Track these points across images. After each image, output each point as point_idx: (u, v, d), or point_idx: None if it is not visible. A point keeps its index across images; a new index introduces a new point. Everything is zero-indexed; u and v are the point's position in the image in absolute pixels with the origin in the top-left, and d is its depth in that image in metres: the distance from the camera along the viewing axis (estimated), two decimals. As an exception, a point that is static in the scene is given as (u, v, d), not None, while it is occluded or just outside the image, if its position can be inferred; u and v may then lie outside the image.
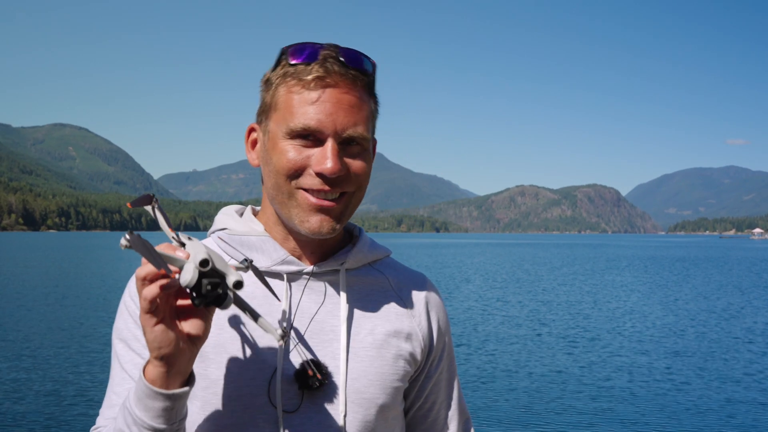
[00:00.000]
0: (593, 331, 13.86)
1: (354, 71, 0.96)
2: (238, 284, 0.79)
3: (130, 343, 0.99)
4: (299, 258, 1.04)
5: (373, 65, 1.01)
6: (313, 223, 0.97)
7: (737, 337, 13.27)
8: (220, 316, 1.00)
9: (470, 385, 8.77)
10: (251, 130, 1.05)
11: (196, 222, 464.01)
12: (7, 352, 10.50)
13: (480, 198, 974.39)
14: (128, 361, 0.99)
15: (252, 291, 1.01)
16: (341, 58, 0.95)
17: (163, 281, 0.78)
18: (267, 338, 0.99)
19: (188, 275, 0.76)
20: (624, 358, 10.90)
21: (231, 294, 0.80)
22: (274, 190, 0.99)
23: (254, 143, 1.05)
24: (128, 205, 0.87)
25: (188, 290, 0.78)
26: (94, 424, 0.90)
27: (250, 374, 0.97)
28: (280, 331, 0.89)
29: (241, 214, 1.12)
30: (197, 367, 0.96)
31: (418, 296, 1.12)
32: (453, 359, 1.17)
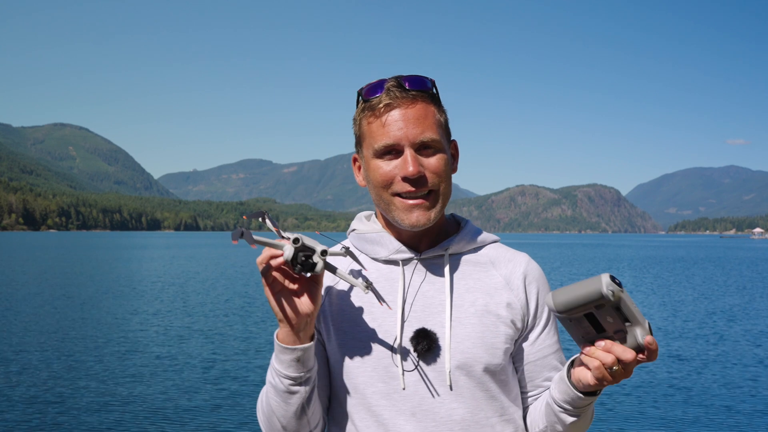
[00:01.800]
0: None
1: (414, 92, 1.26)
2: (324, 252, 1.10)
3: None
4: (411, 247, 1.35)
5: (432, 82, 1.30)
6: (412, 218, 1.26)
7: (737, 340, 13.03)
8: (353, 298, 1.33)
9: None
10: (354, 159, 1.39)
11: (197, 222, 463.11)
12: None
13: (480, 198, 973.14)
14: None
15: (376, 277, 1.33)
16: (402, 84, 1.26)
17: (271, 260, 1.10)
18: (390, 314, 1.29)
19: (287, 251, 1.08)
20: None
21: (321, 261, 1.09)
22: (377, 200, 1.31)
23: (359, 169, 1.37)
24: (244, 217, 1.16)
25: (290, 264, 1.09)
26: None
27: (378, 341, 1.28)
28: (364, 283, 1.16)
29: (369, 218, 1.45)
30: (340, 339, 1.31)
31: (517, 273, 1.36)
32: (554, 325, 1.40)
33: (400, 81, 1.25)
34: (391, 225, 1.35)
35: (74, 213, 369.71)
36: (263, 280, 1.12)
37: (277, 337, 1.19)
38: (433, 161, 1.26)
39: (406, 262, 1.33)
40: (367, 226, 1.39)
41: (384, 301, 1.26)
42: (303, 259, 1.08)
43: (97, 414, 7.24)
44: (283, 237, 1.12)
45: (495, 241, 1.41)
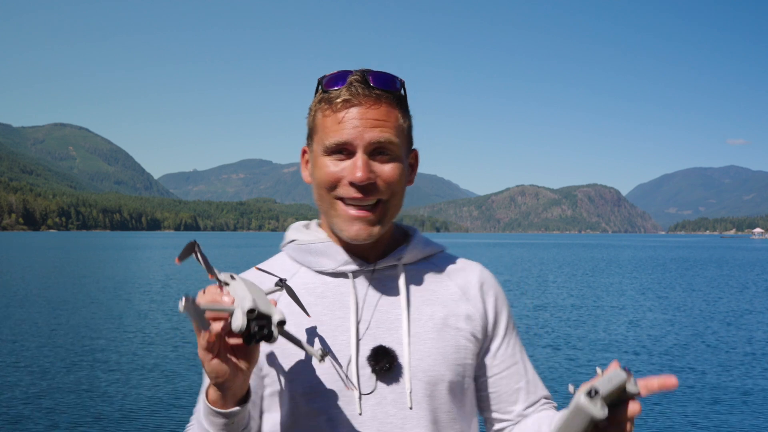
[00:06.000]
0: (588, 337, 13.44)
1: (378, 90, 1.11)
2: (282, 323, 0.92)
3: None
4: (361, 258, 1.19)
5: (401, 83, 1.16)
6: (352, 231, 1.12)
7: (738, 346, 12.83)
8: (298, 317, 1.15)
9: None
10: (304, 152, 1.22)
11: (197, 222, 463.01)
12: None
13: (480, 198, 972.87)
14: None
15: (322, 291, 1.18)
16: (365, 81, 1.11)
17: (218, 327, 0.93)
18: (340, 333, 1.14)
19: (238, 322, 0.89)
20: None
21: (276, 331, 0.92)
22: (319, 201, 1.16)
23: (307, 163, 1.21)
24: (176, 260, 0.99)
25: (241, 334, 0.91)
26: None
27: (328, 364, 1.12)
28: (320, 352, 1.00)
29: (308, 227, 1.28)
30: (284, 363, 1.13)
31: (472, 282, 1.24)
32: (515, 334, 1.28)
33: (365, 76, 1.12)
34: (335, 234, 1.20)
35: (74, 213, 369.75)
36: (200, 342, 0.94)
37: (207, 398, 1.02)
38: (387, 169, 1.12)
39: (356, 274, 1.19)
40: (310, 236, 1.22)
41: (351, 383, 1.11)
42: (256, 330, 0.91)
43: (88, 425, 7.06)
44: (220, 280, 0.97)
45: (443, 250, 1.30)
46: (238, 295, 0.92)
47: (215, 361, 0.94)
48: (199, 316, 0.89)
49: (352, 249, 1.19)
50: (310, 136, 1.18)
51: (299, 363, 1.13)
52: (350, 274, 1.18)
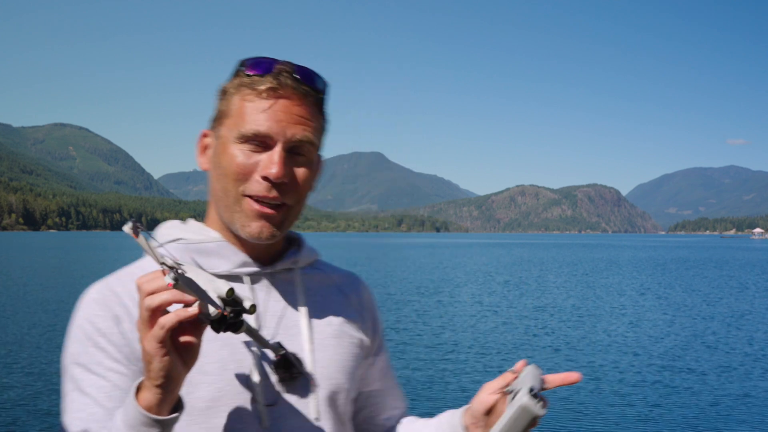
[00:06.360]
0: (588, 338, 13.42)
1: (306, 87, 1.02)
2: (253, 308, 0.83)
3: (91, 367, 0.97)
4: (255, 260, 1.08)
5: (325, 84, 1.07)
6: (254, 228, 1.01)
7: (735, 347, 12.80)
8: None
9: (469, 387, 8.76)
10: (204, 135, 1.09)
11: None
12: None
13: (480, 198, 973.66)
14: (91, 384, 0.96)
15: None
16: (295, 74, 1.01)
17: (183, 312, 0.80)
18: (240, 338, 1.01)
19: (216, 304, 0.80)
20: (622, 373, 10.50)
21: (246, 319, 0.84)
22: (221, 193, 1.03)
23: (204, 148, 1.09)
24: (134, 236, 0.84)
25: (214, 321, 0.81)
26: None
27: (230, 374, 1.00)
28: (276, 345, 0.98)
29: (188, 224, 1.13)
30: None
31: (357, 290, 1.21)
32: (386, 345, 1.29)
33: (293, 69, 1.02)
34: (226, 232, 1.07)
35: (74, 213, 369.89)
36: (155, 333, 0.81)
37: (140, 403, 0.85)
38: (301, 172, 1.03)
39: (253, 278, 1.08)
40: (200, 235, 1.07)
41: (291, 361, 1.02)
42: (231, 316, 0.81)
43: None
44: (165, 264, 0.80)
45: (319, 256, 1.21)
46: (201, 278, 0.81)
47: (168, 356, 0.82)
48: (196, 293, 0.79)
49: (247, 250, 1.07)
50: (219, 120, 1.05)
51: (195, 375, 0.98)
52: (247, 278, 1.07)
